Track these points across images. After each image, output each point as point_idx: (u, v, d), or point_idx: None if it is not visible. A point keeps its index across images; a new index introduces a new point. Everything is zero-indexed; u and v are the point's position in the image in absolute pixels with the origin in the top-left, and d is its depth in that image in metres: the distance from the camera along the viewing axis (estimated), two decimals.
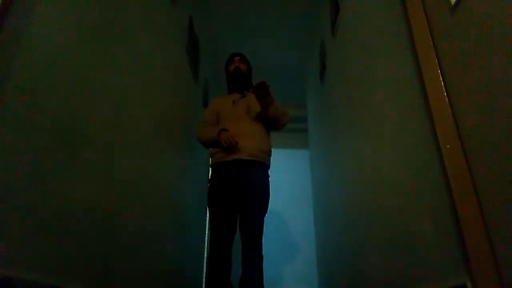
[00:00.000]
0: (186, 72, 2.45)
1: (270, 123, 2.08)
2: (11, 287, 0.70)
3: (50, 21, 0.88)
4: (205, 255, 3.06)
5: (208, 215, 1.98)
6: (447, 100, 0.89)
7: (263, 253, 1.86)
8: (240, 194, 1.90)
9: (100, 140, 1.13)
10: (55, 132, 0.89)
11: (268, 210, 1.95)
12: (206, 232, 3.21)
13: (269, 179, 2.02)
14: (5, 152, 0.73)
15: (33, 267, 0.79)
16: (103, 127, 1.15)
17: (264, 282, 1.82)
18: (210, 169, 2.06)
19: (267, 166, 2.02)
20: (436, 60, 0.94)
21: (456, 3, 0.87)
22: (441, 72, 0.93)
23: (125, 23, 1.35)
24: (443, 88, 0.91)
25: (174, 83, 2.11)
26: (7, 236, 0.72)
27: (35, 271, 0.79)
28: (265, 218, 1.92)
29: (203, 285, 2.87)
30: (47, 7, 0.87)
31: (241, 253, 1.83)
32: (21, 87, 0.78)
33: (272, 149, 2.08)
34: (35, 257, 0.80)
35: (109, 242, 1.16)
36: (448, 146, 0.86)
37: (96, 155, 1.09)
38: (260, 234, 1.87)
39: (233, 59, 2.27)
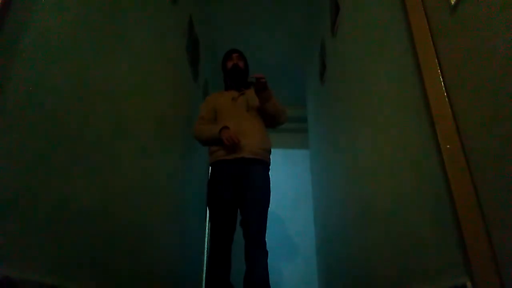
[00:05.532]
0: (186, 72, 2.45)
1: (268, 119, 2.08)
2: (11, 287, 0.70)
3: (50, 21, 0.88)
4: (205, 255, 3.06)
5: (208, 214, 1.95)
6: (447, 100, 0.89)
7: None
8: (241, 192, 1.89)
9: (100, 140, 1.13)
10: (55, 132, 0.89)
11: (268, 209, 1.94)
12: (206, 232, 3.21)
13: (270, 177, 2.01)
14: (5, 152, 0.73)
15: (33, 267, 0.79)
16: (103, 127, 1.15)
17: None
18: (210, 167, 2.04)
19: (267, 164, 2.02)
20: (436, 60, 0.94)
21: (456, 3, 0.87)
22: (441, 72, 0.93)
23: (125, 23, 1.35)
24: (443, 88, 0.91)
25: (174, 83, 2.11)
26: (7, 236, 0.72)
27: (35, 271, 0.79)
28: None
29: (203, 285, 2.87)
30: (46, 7, 0.87)
31: (245, 251, 1.80)
32: (21, 87, 0.78)
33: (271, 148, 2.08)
34: (35, 257, 0.80)
35: (109, 242, 1.16)
36: (448, 146, 0.86)
37: (96, 155, 1.09)
38: (264, 232, 1.85)
39: (231, 55, 2.27)
